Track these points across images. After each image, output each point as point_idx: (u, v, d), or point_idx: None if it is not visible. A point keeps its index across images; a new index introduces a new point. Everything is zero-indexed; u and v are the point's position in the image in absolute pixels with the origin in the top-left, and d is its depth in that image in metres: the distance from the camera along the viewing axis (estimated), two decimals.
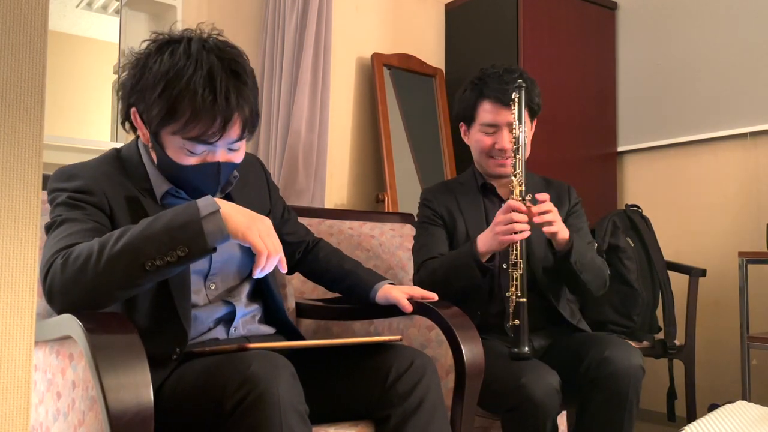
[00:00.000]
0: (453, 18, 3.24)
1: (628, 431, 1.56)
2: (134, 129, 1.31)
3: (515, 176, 1.63)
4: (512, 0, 2.93)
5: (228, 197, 1.38)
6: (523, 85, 1.68)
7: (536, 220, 1.55)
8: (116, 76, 2.44)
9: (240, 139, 1.25)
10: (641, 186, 3.17)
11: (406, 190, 2.85)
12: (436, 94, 3.10)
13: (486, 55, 3.03)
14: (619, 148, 3.22)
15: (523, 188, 1.61)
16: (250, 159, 1.49)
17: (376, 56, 2.92)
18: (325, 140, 2.60)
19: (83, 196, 1.23)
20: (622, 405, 1.54)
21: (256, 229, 1.14)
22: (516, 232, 1.55)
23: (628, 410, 1.54)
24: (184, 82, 1.16)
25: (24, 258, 0.70)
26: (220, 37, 1.27)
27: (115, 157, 1.32)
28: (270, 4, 2.64)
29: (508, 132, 1.77)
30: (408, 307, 1.46)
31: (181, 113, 1.17)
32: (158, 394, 1.14)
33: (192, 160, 1.23)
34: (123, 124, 1.32)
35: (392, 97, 2.94)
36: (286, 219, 1.57)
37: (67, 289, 1.09)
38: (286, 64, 2.56)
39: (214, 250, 1.11)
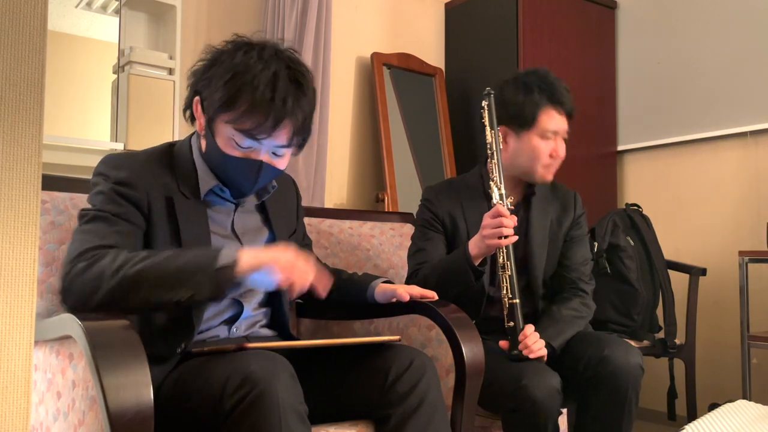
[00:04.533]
0: (453, 17, 3.23)
1: (627, 430, 1.57)
2: (192, 120, 1.35)
3: (493, 180, 1.64)
4: (512, 0, 2.93)
5: (262, 206, 1.43)
6: (492, 92, 1.69)
7: (532, 356, 1.55)
8: (116, 76, 2.45)
9: (287, 146, 1.29)
10: (641, 185, 3.16)
11: (406, 190, 2.85)
12: (436, 93, 3.10)
13: (486, 55, 3.03)
14: (619, 148, 3.22)
15: (503, 191, 1.63)
16: (288, 179, 1.56)
17: (375, 56, 2.92)
18: (325, 140, 2.60)
19: (124, 189, 1.25)
20: (621, 404, 1.54)
21: (277, 265, 1.16)
22: (503, 236, 1.56)
23: (627, 409, 1.54)
24: (249, 77, 1.22)
25: (23, 258, 0.70)
26: (296, 54, 1.34)
27: (167, 151, 1.36)
28: (269, 4, 2.64)
29: (561, 139, 1.76)
30: (405, 296, 1.46)
31: (240, 104, 1.22)
32: (157, 392, 1.14)
33: (237, 153, 1.27)
34: (185, 112, 1.36)
35: (392, 97, 2.94)
36: (305, 244, 1.61)
37: (80, 296, 1.13)
38: None
39: (223, 297, 1.18)
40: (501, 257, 1.59)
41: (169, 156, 1.35)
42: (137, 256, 1.15)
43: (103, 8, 2.48)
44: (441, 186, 1.88)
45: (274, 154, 1.29)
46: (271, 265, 1.15)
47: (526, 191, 1.82)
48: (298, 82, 1.26)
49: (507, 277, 1.58)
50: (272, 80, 1.23)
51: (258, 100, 1.21)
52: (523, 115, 1.73)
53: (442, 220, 1.79)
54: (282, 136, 1.26)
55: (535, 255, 1.76)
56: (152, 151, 1.35)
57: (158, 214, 1.27)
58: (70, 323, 1.04)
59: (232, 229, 1.37)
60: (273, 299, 1.42)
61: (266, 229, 1.43)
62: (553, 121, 1.73)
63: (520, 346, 1.55)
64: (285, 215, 1.49)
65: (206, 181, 1.32)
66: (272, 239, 1.42)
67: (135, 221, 1.24)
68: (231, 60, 1.25)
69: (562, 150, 1.76)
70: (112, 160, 1.29)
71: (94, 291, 1.12)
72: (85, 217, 1.23)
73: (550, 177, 1.78)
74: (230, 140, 1.26)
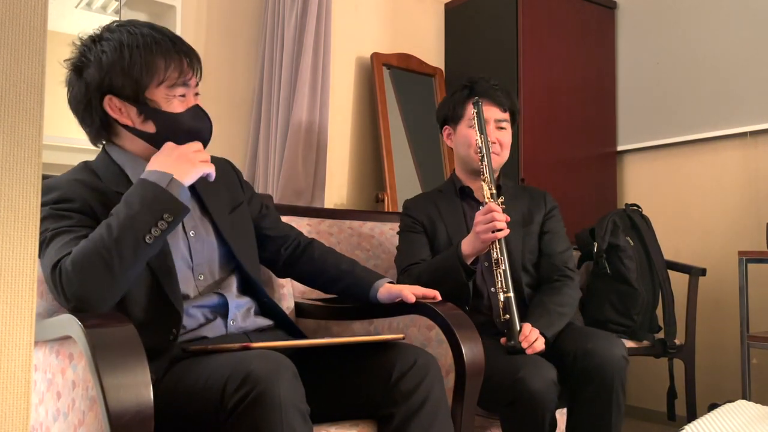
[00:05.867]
0: (453, 17, 3.23)
1: (617, 422, 1.59)
2: (106, 131, 1.33)
3: (484, 181, 1.71)
4: (512, 0, 2.93)
5: (192, 188, 1.38)
6: (480, 101, 1.78)
7: (529, 351, 1.58)
8: None
9: (199, 79, 1.36)
10: (641, 185, 3.17)
11: (406, 190, 2.85)
12: (435, 93, 3.10)
13: (486, 55, 3.03)
14: (619, 148, 3.22)
15: (494, 191, 1.70)
16: (221, 160, 1.53)
17: (375, 56, 2.92)
18: (324, 140, 2.60)
19: (65, 205, 1.25)
20: (608, 396, 1.57)
21: (194, 161, 1.25)
22: (497, 230, 1.63)
23: (615, 401, 1.57)
24: (141, 40, 1.27)
25: (23, 258, 0.70)
26: None
27: (85, 167, 1.35)
28: (269, 4, 2.64)
29: (495, 129, 1.86)
30: (411, 297, 1.47)
31: (158, 63, 1.27)
32: (157, 390, 1.14)
33: (182, 107, 1.31)
34: (96, 132, 1.34)
35: (392, 97, 2.94)
36: (264, 214, 1.58)
37: (86, 286, 1.13)
38: (286, 63, 2.56)
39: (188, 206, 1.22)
40: (495, 253, 1.64)
41: (88, 170, 1.34)
42: (101, 228, 1.16)
43: (103, 8, 2.48)
44: (417, 197, 2.03)
45: (196, 94, 1.35)
46: (192, 164, 1.24)
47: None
48: (160, 27, 1.33)
49: (501, 272, 1.64)
50: (155, 31, 1.29)
51: (166, 51, 1.28)
52: (454, 111, 1.91)
53: (422, 223, 1.89)
54: (196, 71, 1.33)
55: (511, 240, 1.79)
56: (70, 171, 1.35)
57: (103, 218, 1.25)
58: (69, 323, 1.04)
59: None
60: (250, 284, 1.42)
61: (205, 212, 1.41)
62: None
63: (524, 344, 1.58)
64: (222, 194, 1.46)
65: (138, 175, 1.29)
66: (213, 223, 1.40)
67: (89, 225, 1.23)
68: (108, 45, 1.27)
69: (502, 136, 1.87)
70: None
71: (99, 272, 1.13)
72: (42, 243, 1.21)
73: (493, 164, 1.81)
74: (170, 99, 1.29)
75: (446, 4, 3.26)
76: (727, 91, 2.84)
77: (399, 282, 1.79)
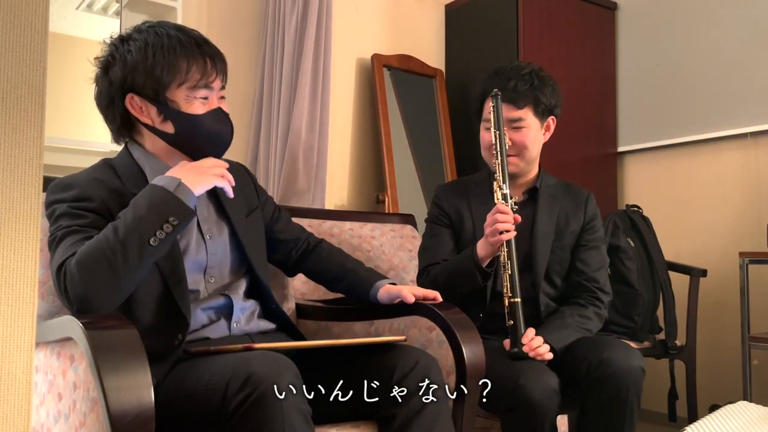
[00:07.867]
0: (453, 18, 3.24)
1: None
2: (128, 130, 1.34)
3: (496, 180, 1.65)
4: (512, 0, 2.93)
5: (212, 191, 1.40)
6: (498, 93, 1.68)
7: (531, 354, 1.56)
8: None
9: (223, 84, 1.36)
10: (642, 186, 3.16)
11: (407, 191, 2.85)
12: (436, 94, 3.10)
13: (486, 56, 3.03)
14: (620, 148, 3.22)
15: (507, 192, 1.64)
16: (236, 165, 1.56)
17: (376, 57, 2.92)
18: (325, 141, 2.60)
19: (83, 203, 1.25)
20: (622, 407, 1.52)
21: (208, 172, 1.27)
22: (504, 232, 1.58)
23: (628, 412, 1.53)
24: (166, 41, 1.29)
25: (24, 259, 0.70)
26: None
27: (106, 164, 1.36)
28: (270, 5, 2.64)
29: (509, 129, 1.73)
30: (410, 297, 1.47)
31: (181, 64, 1.28)
32: (159, 392, 1.14)
33: (203, 109, 1.32)
34: (119, 128, 1.35)
35: (392, 98, 2.94)
36: (276, 218, 1.60)
37: (90, 286, 1.12)
38: (286, 64, 2.56)
39: (194, 210, 1.23)
40: (502, 256, 1.60)
41: (109, 167, 1.35)
42: (107, 229, 1.17)
43: (104, 10, 2.49)
44: (450, 184, 1.93)
45: (221, 98, 1.36)
46: (204, 175, 1.25)
47: (529, 188, 1.83)
48: (189, 29, 1.35)
49: (508, 276, 1.59)
50: (182, 33, 1.31)
51: (190, 53, 1.29)
52: (475, 108, 1.82)
53: (449, 215, 1.82)
54: (221, 74, 1.34)
55: (538, 250, 1.75)
56: (91, 168, 1.36)
57: None
58: (70, 325, 1.04)
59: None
60: (257, 287, 1.43)
61: (222, 215, 1.42)
62: (489, 109, 1.72)
63: (525, 348, 1.55)
64: (239, 198, 1.46)
65: (155, 176, 1.29)
66: (230, 226, 1.41)
67: (102, 226, 1.22)
68: (135, 45, 1.29)
69: (516, 137, 1.74)
70: (57, 186, 1.29)
71: (104, 272, 1.12)
72: (54, 240, 1.22)
73: (512, 168, 1.75)
74: (191, 101, 1.30)
75: (446, 5, 3.26)
76: (728, 91, 2.84)
77: (418, 283, 1.78)
